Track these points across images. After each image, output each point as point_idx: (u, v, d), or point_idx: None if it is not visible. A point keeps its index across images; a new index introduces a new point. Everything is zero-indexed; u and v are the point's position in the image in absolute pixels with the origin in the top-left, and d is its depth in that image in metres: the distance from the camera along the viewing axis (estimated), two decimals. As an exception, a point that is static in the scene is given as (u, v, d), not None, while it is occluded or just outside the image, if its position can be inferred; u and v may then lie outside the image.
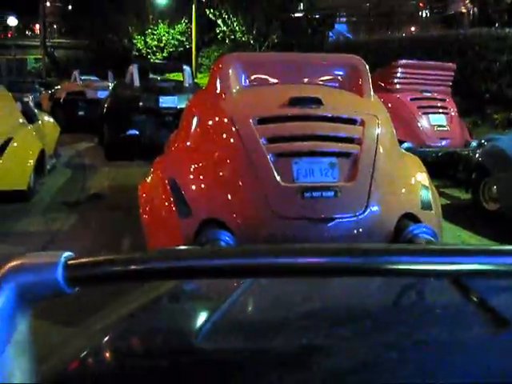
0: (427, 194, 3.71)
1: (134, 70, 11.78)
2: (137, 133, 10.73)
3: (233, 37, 27.73)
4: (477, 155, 7.27)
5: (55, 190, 8.36)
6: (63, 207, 7.17)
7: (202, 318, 1.13)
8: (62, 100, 16.76)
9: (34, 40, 45.39)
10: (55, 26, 53.50)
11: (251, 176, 3.38)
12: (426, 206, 3.64)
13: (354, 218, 3.33)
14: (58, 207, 7.20)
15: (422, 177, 3.88)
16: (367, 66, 4.29)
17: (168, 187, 3.55)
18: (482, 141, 8.11)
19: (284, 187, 3.32)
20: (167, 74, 19.11)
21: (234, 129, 3.54)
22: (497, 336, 0.98)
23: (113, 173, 9.74)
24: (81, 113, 16.18)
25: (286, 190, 3.32)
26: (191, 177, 3.61)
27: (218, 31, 28.16)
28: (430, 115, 9.17)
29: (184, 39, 32.91)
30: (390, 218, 3.41)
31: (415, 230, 3.20)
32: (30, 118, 8.82)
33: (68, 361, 0.97)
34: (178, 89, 11.71)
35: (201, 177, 3.57)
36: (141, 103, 10.98)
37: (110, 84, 16.88)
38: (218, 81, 4.03)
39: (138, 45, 33.35)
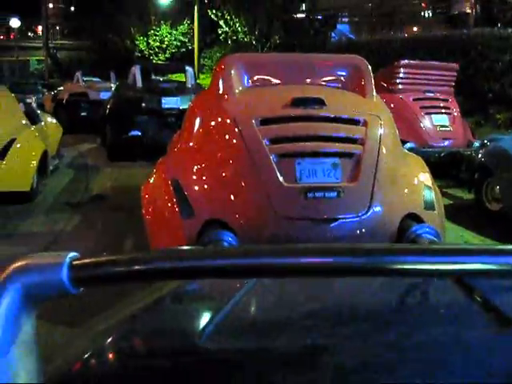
0: (430, 195, 3.71)
1: (136, 71, 11.79)
2: (139, 134, 10.74)
3: (235, 37, 27.72)
4: (479, 155, 7.26)
5: (58, 190, 8.37)
6: (66, 208, 7.19)
7: (205, 318, 1.13)
8: (64, 101, 16.78)
9: (37, 41, 45.40)
10: (58, 28, 53.60)
11: (254, 176, 3.39)
12: (429, 206, 3.64)
13: (357, 219, 3.33)
14: (61, 208, 7.21)
15: (425, 177, 3.88)
16: (370, 67, 4.29)
17: (171, 188, 3.56)
18: (485, 141, 8.09)
19: (287, 188, 3.32)
20: (169, 75, 19.10)
21: (236, 129, 3.54)
22: (500, 335, 0.98)
23: (115, 173, 9.75)
24: (83, 114, 16.19)
25: (288, 191, 3.33)
26: (194, 177, 3.61)
27: (220, 32, 28.16)
28: (433, 115, 9.17)
29: (186, 40, 32.91)
30: (392, 218, 3.41)
31: (418, 230, 3.20)
32: (33, 119, 8.84)
33: (72, 361, 0.98)
34: (180, 90, 11.71)
35: (203, 177, 3.58)
36: (143, 104, 10.98)
37: (112, 85, 16.89)
38: (221, 81, 4.04)
39: (141, 46, 33.36)
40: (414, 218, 3.45)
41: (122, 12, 32.74)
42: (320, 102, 3.69)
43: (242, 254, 0.72)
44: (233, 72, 4.05)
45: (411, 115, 9.02)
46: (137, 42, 33.47)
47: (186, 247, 1.28)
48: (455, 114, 9.38)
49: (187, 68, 12.60)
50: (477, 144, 8.68)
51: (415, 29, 35.15)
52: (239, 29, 27.27)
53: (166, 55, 33.09)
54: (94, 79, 20.34)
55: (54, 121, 10.91)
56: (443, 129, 9.10)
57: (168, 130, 9.49)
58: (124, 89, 12.19)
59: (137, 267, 0.70)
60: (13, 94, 8.74)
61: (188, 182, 3.57)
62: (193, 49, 28.35)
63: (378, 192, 3.41)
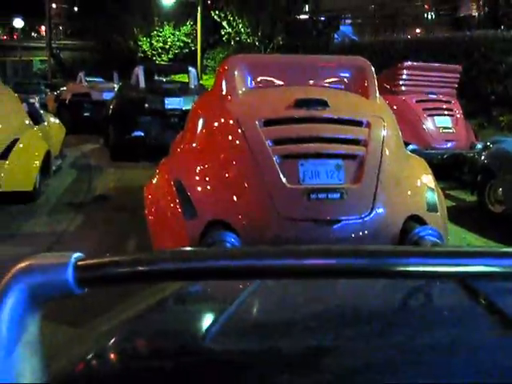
0: (433, 196, 3.71)
1: (139, 71, 11.81)
2: (142, 134, 10.75)
3: (238, 38, 27.74)
4: (482, 157, 7.25)
5: (61, 190, 8.38)
6: (69, 208, 7.20)
7: (208, 319, 1.13)
8: (67, 101, 16.80)
9: (40, 42, 45.50)
10: (61, 28, 53.69)
11: (257, 178, 3.39)
12: (432, 208, 3.64)
13: (360, 220, 3.33)
14: (64, 208, 7.23)
15: (428, 179, 3.88)
16: (373, 68, 4.29)
17: (174, 188, 3.56)
18: (488, 143, 8.09)
19: (290, 189, 3.32)
20: (172, 76, 19.12)
21: (239, 130, 3.54)
22: (504, 338, 0.97)
23: (118, 174, 9.76)
24: (86, 114, 16.21)
25: (291, 192, 3.32)
26: (197, 178, 3.62)
27: (223, 33, 28.18)
28: (436, 117, 9.16)
29: (189, 41, 32.93)
30: (395, 219, 3.41)
31: (421, 232, 3.20)
32: (36, 119, 8.85)
33: (76, 362, 0.98)
34: (183, 90, 11.73)
35: (206, 178, 3.58)
36: (146, 105, 11.00)
37: (115, 85, 16.90)
38: (224, 82, 4.04)
39: (144, 46, 33.40)
40: (416, 219, 3.44)
41: (125, 12, 32.77)
42: (323, 104, 3.69)
43: (245, 256, 0.72)
44: (236, 73, 4.06)
45: (414, 117, 9.02)
46: (140, 43, 33.50)
47: (190, 248, 1.28)
48: (458, 115, 9.38)
49: (190, 69, 12.62)
50: (480, 146, 8.69)
51: (418, 30, 35.15)
52: (242, 30, 27.29)
53: (169, 56, 33.11)
54: (97, 79, 20.36)
55: (57, 121, 10.92)
56: (446, 131, 9.10)
57: (171, 130, 9.51)
58: (127, 89, 12.21)
59: (141, 268, 0.70)
60: (16, 94, 8.75)
61: (191, 182, 3.58)
62: (196, 50, 28.35)
63: (380, 194, 3.41)
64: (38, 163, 7.58)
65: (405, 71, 9.64)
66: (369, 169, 3.45)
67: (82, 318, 1.33)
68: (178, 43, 33.25)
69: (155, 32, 33.14)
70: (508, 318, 1.01)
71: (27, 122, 8.28)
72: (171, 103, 11.01)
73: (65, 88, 20.07)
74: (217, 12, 27.61)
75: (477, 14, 28.54)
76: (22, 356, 0.67)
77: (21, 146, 7.32)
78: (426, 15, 39.24)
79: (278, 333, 1.00)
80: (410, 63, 9.91)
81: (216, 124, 3.87)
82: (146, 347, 1.03)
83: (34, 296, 0.68)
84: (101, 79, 20.54)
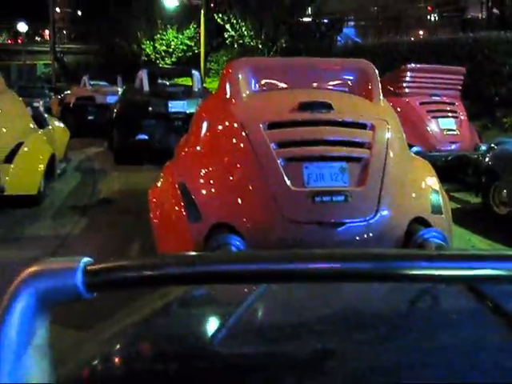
0: (437, 198, 3.70)
1: (143, 75, 11.83)
2: (146, 137, 10.77)
3: (241, 41, 27.76)
4: (486, 159, 7.24)
5: (65, 194, 8.40)
6: (73, 211, 7.21)
7: (215, 323, 1.14)
8: (71, 105, 16.85)
9: (44, 46, 45.61)
10: (65, 32, 53.82)
11: (261, 180, 3.39)
12: (437, 210, 3.63)
13: (365, 223, 3.32)
14: (68, 211, 7.24)
15: (432, 181, 3.87)
16: (376, 71, 4.29)
17: (178, 191, 3.57)
18: (492, 144, 8.08)
19: (294, 192, 3.32)
20: (176, 79, 19.15)
21: (244, 133, 3.54)
22: (510, 340, 0.97)
23: (122, 177, 9.78)
24: (90, 117, 16.26)
25: (296, 195, 3.32)
26: (201, 181, 3.62)
27: (226, 36, 28.20)
28: (440, 119, 9.15)
29: (192, 44, 32.96)
30: (400, 222, 3.40)
31: (426, 234, 3.20)
32: (41, 123, 8.88)
33: (82, 366, 0.98)
34: (187, 93, 11.74)
35: (211, 181, 3.58)
36: (150, 108, 11.01)
37: (119, 89, 16.95)
38: (228, 86, 4.04)
39: (147, 50, 33.45)
40: (421, 222, 3.44)
41: (128, 16, 32.86)
42: (327, 106, 3.69)
43: (251, 260, 0.73)
44: (240, 76, 4.06)
45: (418, 119, 9.00)
46: (143, 46, 33.57)
47: (198, 253, 1.28)
48: (462, 117, 9.36)
49: (194, 72, 12.62)
50: (484, 147, 8.68)
51: (421, 32, 35.14)
52: (245, 33, 27.30)
53: (173, 59, 33.15)
54: (101, 83, 20.39)
55: (62, 125, 10.96)
56: (450, 132, 9.08)
57: (175, 133, 9.52)
58: (131, 93, 12.23)
59: (150, 272, 0.70)
60: (20, 98, 8.78)
61: (195, 185, 3.58)
62: (199, 53, 28.38)
63: (385, 196, 3.40)
64: (42, 167, 7.60)
65: (408, 73, 9.63)
66: (373, 171, 3.45)
67: (87, 322, 1.34)
68: (181, 46, 33.29)
69: (158, 35, 33.19)
70: None
71: (32, 125, 8.31)
72: (175, 106, 11.02)
73: (69, 92, 20.12)
74: (220, 15, 27.64)
75: (484, 15, 28.50)
76: (31, 359, 0.68)
77: (25, 149, 7.34)
78: (428, 17, 39.24)
79: (285, 336, 1.00)
80: (413, 65, 9.90)
81: (220, 127, 3.88)
82: (153, 351, 1.04)
83: (43, 300, 0.69)
84: (105, 83, 20.58)
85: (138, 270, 0.71)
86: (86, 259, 0.71)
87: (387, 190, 3.42)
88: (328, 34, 27.91)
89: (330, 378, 0.85)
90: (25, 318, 0.68)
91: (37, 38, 54.35)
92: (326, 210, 3.32)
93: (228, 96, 4.00)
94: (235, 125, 3.66)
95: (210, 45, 30.92)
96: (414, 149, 7.79)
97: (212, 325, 1.15)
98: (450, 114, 9.33)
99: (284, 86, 4.31)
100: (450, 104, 9.50)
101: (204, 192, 3.55)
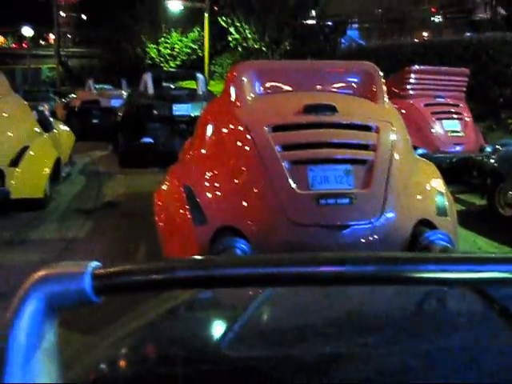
0: (443, 200, 3.70)
1: (147, 78, 11.86)
2: (151, 140, 10.79)
3: (245, 44, 27.80)
4: (492, 160, 7.23)
5: (70, 197, 8.43)
6: (78, 214, 7.23)
7: (222, 326, 1.14)
8: (76, 108, 16.91)
9: (49, 50, 45.81)
10: (69, 36, 54.04)
11: (266, 183, 3.39)
12: (442, 212, 3.63)
13: (370, 225, 3.32)
14: (74, 214, 7.26)
15: (437, 183, 3.87)
16: (381, 73, 4.30)
17: (183, 195, 3.57)
18: (497, 146, 8.06)
19: (299, 194, 3.32)
20: (180, 82, 19.19)
21: (249, 136, 3.55)
22: None
23: (127, 180, 9.80)
24: (95, 121, 16.32)
25: (301, 198, 3.32)
26: (206, 184, 3.63)
27: (230, 39, 28.26)
28: (444, 121, 9.13)
29: (196, 47, 33.05)
30: (405, 224, 3.40)
31: (431, 236, 3.19)
32: (46, 126, 8.91)
33: (90, 369, 0.99)
34: (191, 96, 11.76)
35: (216, 184, 3.59)
36: (155, 111, 11.04)
37: (123, 92, 17.01)
38: (233, 89, 4.05)
39: (151, 53, 33.56)
40: (426, 224, 3.44)
41: (133, 20, 32.97)
42: (332, 109, 3.69)
43: (259, 263, 0.73)
44: (245, 79, 4.07)
45: (422, 121, 8.99)
46: (147, 50, 33.67)
47: (206, 256, 1.28)
48: (466, 119, 9.35)
49: (198, 75, 12.64)
50: (489, 149, 8.66)
51: (425, 34, 35.10)
52: (249, 35, 27.35)
53: (177, 62, 33.24)
54: (106, 87, 20.45)
55: (67, 128, 10.99)
56: (455, 134, 9.07)
57: (179, 136, 9.55)
58: (136, 96, 12.27)
59: (158, 276, 0.71)
60: (26, 102, 8.82)
61: (200, 188, 3.59)
62: (203, 56, 28.45)
63: (390, 198, 3.40)
64: (48, 170, 7.63)
65: (412, 75, 9.62)
66: (378, 173, 3.44)
67: (94, 325, 1.34)
68: (185, 50, 33.38)
69: (163, 39, 33.30)
70: None
71: (37, 129, 8.34)
72: (179, 109, 11.04)
73: (74, 95, 20.21)
74: (224, 18, 27.70)
75: (488, 16, 28.44)
76: (39, 363, 0.68)
77: (31, 153, 7.37)
78: (432, 18, 39.19)
79: (291, 339, 1.00)
80: (417, 67, 9.90)
81: (225, 130, 3.88)
82: (160, 355, 1.04)
83: (51, 304, 0.69)
84: (109, 86, 20.64)
85: (145, 274, 0.71)
86: (94, 263, 0.72)
87: (392, 192, 3.42)
88: (332, 36, 27.93)
89: (337, 381, 0.85)
90: (33, 322, 0.68)
91: (41, 41, 54.59)
92: (331, 213, 3.32)
93: (233, 99, 4.00)
94: (240, 128, 3.66)
95: (214, 48, 30.99)
96: (419, 151, 7.78)
97: (218, 328, 1.15)
98: (454, 116, 9.32)
99: (288, 88, 4.31)
100: (454, 106, 9.49)
101: (209, 195, 3.55)
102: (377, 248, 3.30)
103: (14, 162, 7.04)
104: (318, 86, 4.36)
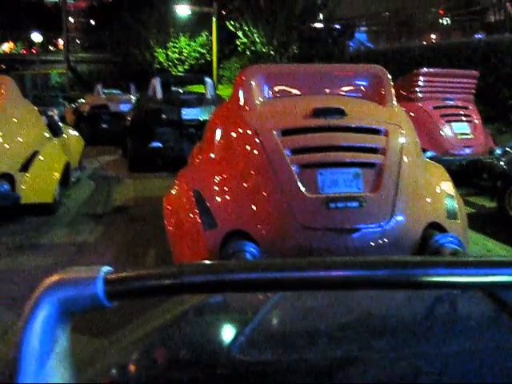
0: (452, 203, 3.69)
1: (156, 82, 11.90)
2: (160, 145, 10.82)
3: (253, 48, 27.86)
4: (502, 163, 7.19)
5: (80, 202, 8.46)
6: (88, 219, 7.26)
7: (233, 330, 1.14)
8: (85, 113, 16.98)
9: (58, 55, 46.08)
10: (78, 41, 54.35)
11: (276, 187, 3.39)
12: (452, 215, 3.62)
13: (379, 228, 3.31)
14: (83, 219, 7.29)
15: (447, 186, 3.86)
16: (389, 76, 4.29)
17: (193, 199, 3.58)
18: (507, 148, 8.02)
19: (309, 198, 3.32)
20: (189, 87, 19.24)
21: (258, 140, 3.55)
22: None
23: (137, 185, 9.83)
24: (104, 126, 16.39)
25: (310, 201, 3.32)
26: (216, 188, 3.63)
27: (238, 43, 28.34)
28: (453, 123, 9.10)
29: (205, 51, 33.15)
30: (415, 227, 3.39)
31: (441, 239, 3.18)
32: (55, 131, 8.95)
33: (101, 374, 0.99)
34: (200, 101, 11.79)
35: (225, 188, 3.59)
36: (164, 115, 11.06)
37: (132, 97, 17.08)
38: (242, 93, 4.06)
39: (160, 58, 33.69)
40: (436, 227, 3.43)
41: (141, 25, 33.13)
42: (341, 112, 3.69)
43: (269, 268, 0.73)
44: (253, 83, 4.08)
45: (431, 123, 8.97)
46: (156, 54, 33.80)
47: (217, 261, 1.28)
48: (476, 121, 9.31)
49: (207, 79, 12.67)
50: (498, 151, 8.62)
51: (433, 36, 35.02)
52: (257, 39, 27.41)
53: (185, 67, 33.35)
54: (114, 91, 20.55)
55: (76, 133, 11.04)
56: (464, 137, 9.04)
57: (188, 141, 9.59)
58: (144, 101, 12.31)
59: (170, 281, 0.71)
60: (35, 107, 8.87)
61: (210, 193, 3.59)
62: (211, 60, 28.52)
63: (400, 201, 3.39)
64: (57, 175, 7.66)
65: (421, 78, 9.60)
66: (387, 177, 3.43)
67: (105, 329, 1.34)
68: (193, 54, 33.49)
69: (171, 43, 33.42)
70: None
71: (47, 134, 8.38)
72: (188, 114, 11.06)
73: (83, 100, 20.28)
74: (232, 22, 27.79)
75: (502, 17, 28.32)
76: (53, 368, 0.69)
77: (41, 158, 7.41)
78: (440, 20, 39.10)
79: (302, 343, 1.00)
80: (426, 69, 9.87)
81: (234, 134, 3.88)
82: (171, 359, 1.04)
83: (64, 309, 0.70)
84: (118, 91, 20.73)
85: (157, 279, 0.72)
86: (106, 268, 0.72)
87: (402, 196, 3.41)
88: (340, 39, 27.93)
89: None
90: (47, 327, 0.69)
91: (50, 47, 54.93)
92: (341, 216, 3.31)
93: (241, 103, 4.01)
94: (249, 132, 3.67)
95: (222, 52, 31.07)
96: (428, 153, 7.77)
97: (229, 332, 1.15)
98: (463, 118, 9.28)
99: (297, 92, 4.31)
100: (463, 108, 9.46)
101: (219, 199, 3.56)
102: (386, 251, 3.30)
103: (24, 167, 7.07)
104: (327, 90, 4.36)
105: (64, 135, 9.44)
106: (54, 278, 0.71)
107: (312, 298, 1.21)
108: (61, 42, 47.40)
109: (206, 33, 32.00)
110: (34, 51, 50.14)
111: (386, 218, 3.33)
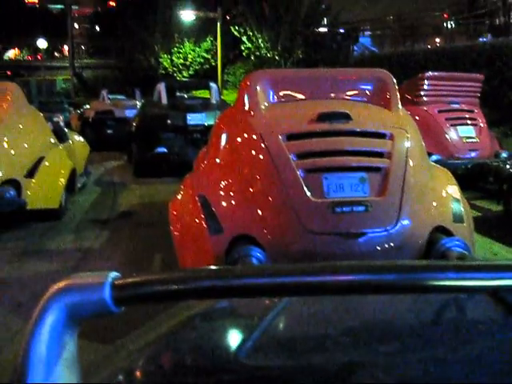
0: (458, 207, 3.67)
1: (161, 88, 11.93)
2: (165, 150, 10.83)
3: (258, 53, 27.92)
4: (507, 166, 7.18)
5: (86, 207, 8.48)
6: (94, 225, 7.27)
7: (241, 336, 1.14)
8: (91, 119, 17.04)
9: (63, 61, 46.32)
10: (83, 47, 54.59)
11: (281, 192, 3.39)
12: (458, 218, 3.60)
13: (385, 233, 3.30)
14: (89, 225, 7.30)
15: (453, 189, 3.85)
16: (394, 80, 4.29)
17: (198, 204, 3.58)
18: (513, 151, 8.00)
19: (314, 203, 3.32)
20: (194, 92, 19.29)
21: (263, 145, 3.55)
22: None
23: (142, 190, 9.84)
24: (109, 131, 16.43)
25: (316, 206, 3.32)
26: (221, 193, 3.63)
27: (242, 48, 28.41)
28: (459, 127, 9.09)
29: (209, 57, 33.25)
30: (421, 231, 3.38)
31: (447, 243, 3.17)
32: (61, 137, 8.97)
33: (110, 379, 0.99)
34: (205, 106, 11.80)
35: (231, 193, 3.59)
36: (169, 121, 11.08)
37: (137, 102, 17.12)
38: (247, 98, 4.06)
39: (165, 63, 33.80)
40: (442, 231, 3.42)
41: (146, 30, 33.25)
42: (346, 117, 3.69)
43: (276, 273, 0.73)
44: (258, 88, 4.08)
45: (437, 127, 8.96)
46: (161, 60, 33.91)
47: (225, 266, 1.28)
48: (481, 124, 9.29)
49: (212, 84, 12.69)
50: (504, 155, 8.61)
51: (438, 40, 35.01)
52: (262, 44, 27.47)
53: (190, 72, 33.45)
54: (120, 97, 20.62)
55: (82, 139, 11.07)
56: (469, 140, 9.01)
57: (193, 146, 9.60)
58: (149, 106, 12.34)
59: (177, 286, 0.71)
60: (41, 113, 8.90)
61: (215, 197, 3.60)
62: (216, 65, 28.60)
63: (405, 205, 3.38)
64: (63, 181, 7.68)
65: (426, 81, 9.59)
66: (393, 181, 3.43)
67: (111, 334, 1.34)
68: (198, 59, 33.59)
69: (176, 49, 33.53)
70: None
71: (52, 140, 8.41)
72: (193, 119, 11.08)
73: (88, 106, 20.36)
74: (236, 27, 27.85)
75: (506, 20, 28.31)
76: (60, 373, 0.69)
77: (46, 164, 7.43)
78: (445, 24, 39.10)
79: (310, 349, 1.00)
80: (431, 73, 9.87)
81: (239, 139, 3.89)
82: (178, 364, 1.04)
83: (72, 315, 0.70)
84: (123, 96, 20.79)
85: (164, 284, 0.71)
86: (113, 274, 0.72)
87: (408, 200, 3.40)
88: (344, 44, 27.96)
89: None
90: (54, 332, 0.69)
91: (56, 53, 55.22)
92: (347, 221, 3.31)
93: (246, 108, 4.02)
94: (254, 136, 3.67)
95: (227, 57, 31.16)
96: (434, 157, 7.76)
97: (236, 338, 1.15)
98: (469, 122, 9.27)
99: (302, 97, 4.32)
100: (468, 111, 9.44)
101: (224, 204, 3.56)
102: (392, 255, 3.29)
103: (30, 173, 7.09)
104: (332, 94, 4.36)
105: (69, 141, 9.47)
106: (62, 283, 0.71)
107: (319, 302, 1.20)
108: (66, 48, 47.63)
109: (211, 38, 32.09)
110: (39, 57, 50.45)
111: (392, 222, 3.32)
